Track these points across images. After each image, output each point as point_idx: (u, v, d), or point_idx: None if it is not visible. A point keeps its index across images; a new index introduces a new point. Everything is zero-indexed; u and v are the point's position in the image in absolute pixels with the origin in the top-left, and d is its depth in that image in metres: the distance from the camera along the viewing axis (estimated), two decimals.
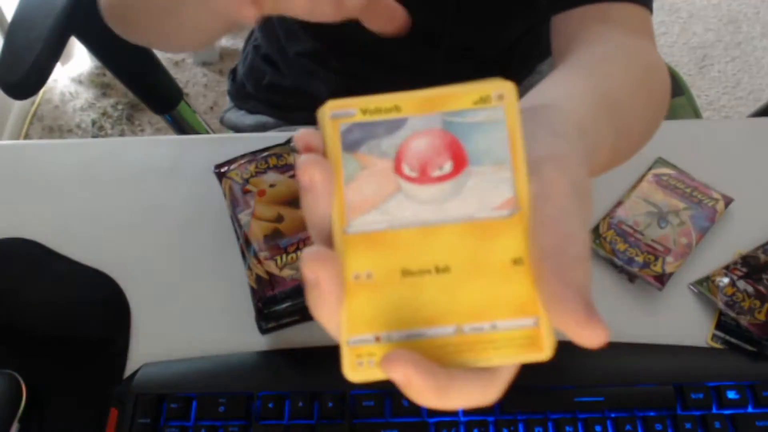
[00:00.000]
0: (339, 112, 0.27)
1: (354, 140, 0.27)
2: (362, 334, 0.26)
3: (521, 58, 0.78)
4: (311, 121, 0.59)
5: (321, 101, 0.28)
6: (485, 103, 0.28)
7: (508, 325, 0.26)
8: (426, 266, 0.26)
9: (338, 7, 0.35)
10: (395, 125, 0.27)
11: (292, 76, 0.81)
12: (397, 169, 0.27)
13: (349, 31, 0.47)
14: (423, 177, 0.27)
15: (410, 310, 0.26)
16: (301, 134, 0.27)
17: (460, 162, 0.27)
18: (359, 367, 0.25)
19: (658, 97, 0.51)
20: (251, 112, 0.89)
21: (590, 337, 0.24)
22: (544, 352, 0.25)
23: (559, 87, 0.40)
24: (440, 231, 0.26)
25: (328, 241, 0.27)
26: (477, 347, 0.26)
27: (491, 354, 0.25)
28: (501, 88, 0.28)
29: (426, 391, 0.24)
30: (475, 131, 0.27)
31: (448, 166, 0.27)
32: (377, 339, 0.26)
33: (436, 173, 0.27)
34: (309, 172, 0.26)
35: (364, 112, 0.27)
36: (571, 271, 0.25)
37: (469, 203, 0.27)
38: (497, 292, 0.26)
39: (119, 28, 0.57)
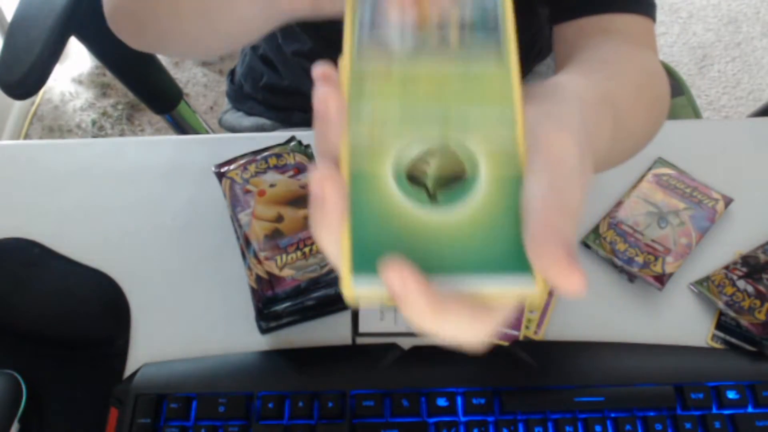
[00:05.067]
0: None
1: None
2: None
3: (519, 58, 0.78)
4: (309, 122, 0.59)
5: None
6: None
7: None
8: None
9: None
10: None
11: (289, 77, 0.81)
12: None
13: None
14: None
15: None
16: (321, 67, 0.29)
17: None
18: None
19: (657, 99, 0.51)
20: (249, 113, 0.89)
21: (569, 282, 0.24)
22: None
23: (559, 79, 0.40)
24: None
25: (337, 167, 0.27)
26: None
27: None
28: None
29: (421, 305, 0.24)
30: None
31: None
32: None
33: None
34: (326, 101, 0.27)
35: None
36: (557, 220, 0.25)
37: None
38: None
39: (126, 31, 0.55)
